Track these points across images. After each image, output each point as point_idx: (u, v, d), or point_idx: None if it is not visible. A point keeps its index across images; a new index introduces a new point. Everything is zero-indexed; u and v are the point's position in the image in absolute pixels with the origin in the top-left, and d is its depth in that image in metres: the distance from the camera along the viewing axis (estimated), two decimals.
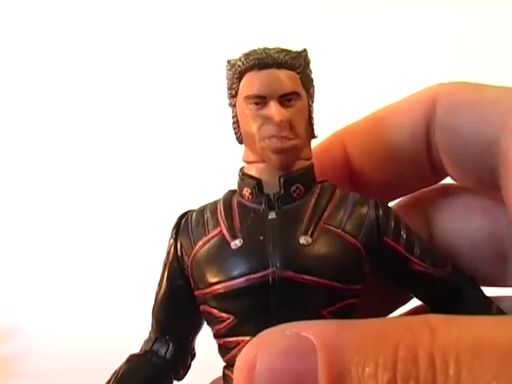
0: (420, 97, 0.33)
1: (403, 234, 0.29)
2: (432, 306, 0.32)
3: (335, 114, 0.38)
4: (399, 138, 0.33)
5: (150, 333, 0.33)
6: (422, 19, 0.98)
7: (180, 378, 0.33)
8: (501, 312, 0.30)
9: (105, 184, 1.06)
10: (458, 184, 0.35)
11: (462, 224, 0.33)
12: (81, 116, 1.09)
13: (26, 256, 1.07)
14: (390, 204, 0.34)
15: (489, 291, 0.32)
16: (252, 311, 0.27)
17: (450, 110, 0.31)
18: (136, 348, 0.33)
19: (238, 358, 0.24)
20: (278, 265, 0.26)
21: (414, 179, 0.35)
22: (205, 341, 0.32)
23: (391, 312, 0.37)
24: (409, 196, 0.36)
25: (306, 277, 0.26)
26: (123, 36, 1.08)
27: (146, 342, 0.33)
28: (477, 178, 0.32)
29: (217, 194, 0.32)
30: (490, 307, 0.30)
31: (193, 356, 0.33)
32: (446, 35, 0.95)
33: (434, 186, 0.36)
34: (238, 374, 0.23)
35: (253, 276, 0.27)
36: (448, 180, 0.35)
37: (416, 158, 0.34)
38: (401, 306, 0.37)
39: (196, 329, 0.33)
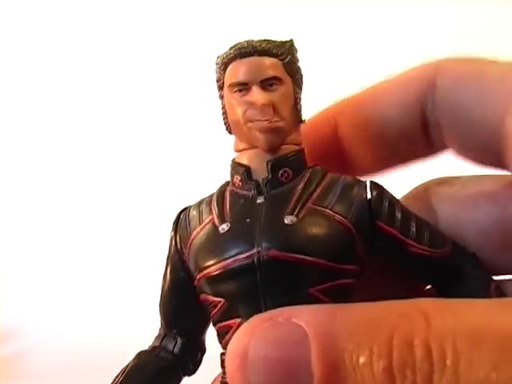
0: (415, 73, 0.33)
1: (398, 216, 0.29)
2: (432, 285, 0.31)
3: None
4: (392, 114, 0.33)
5: (159, 330, 0.33)
6: (420, 13, 0.98)
7: (190, 373, 0.32)
8: (500, 292, 0.30)
9: (105, 183, 1.06)
10: (463, 159, 0.34)
11: (469, 213, 0.32)
12: (80, 113, 1.09)
13: (26, 256, 1.07)
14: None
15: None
16: (241, 292, 0.27)
17: (454, 86, 0.30)
18: (137, 347, 0.33)
19: (229, 346, 0.23)
20: (262, 245, 0.26)
21: (406, 154, 0.35)
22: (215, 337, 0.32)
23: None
24: (413, 188, 0.35)
25: (290, 255, 0.26)
26: (122, 34, 1.08)
27: (156, 338, 0.32)
28: (480, 156, 0.32)
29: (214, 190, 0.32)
30: (489, 288, 0.30)
31: (203, 351, 0.33)
32: (444, 31, 0.96)
33: (440, 177, 0.35)
34: (230, 361, 0.23)
35: (239, 257, 0.27)
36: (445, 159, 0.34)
37: (409, 134, 0.33)
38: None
39: (204, 323, 0.32)
